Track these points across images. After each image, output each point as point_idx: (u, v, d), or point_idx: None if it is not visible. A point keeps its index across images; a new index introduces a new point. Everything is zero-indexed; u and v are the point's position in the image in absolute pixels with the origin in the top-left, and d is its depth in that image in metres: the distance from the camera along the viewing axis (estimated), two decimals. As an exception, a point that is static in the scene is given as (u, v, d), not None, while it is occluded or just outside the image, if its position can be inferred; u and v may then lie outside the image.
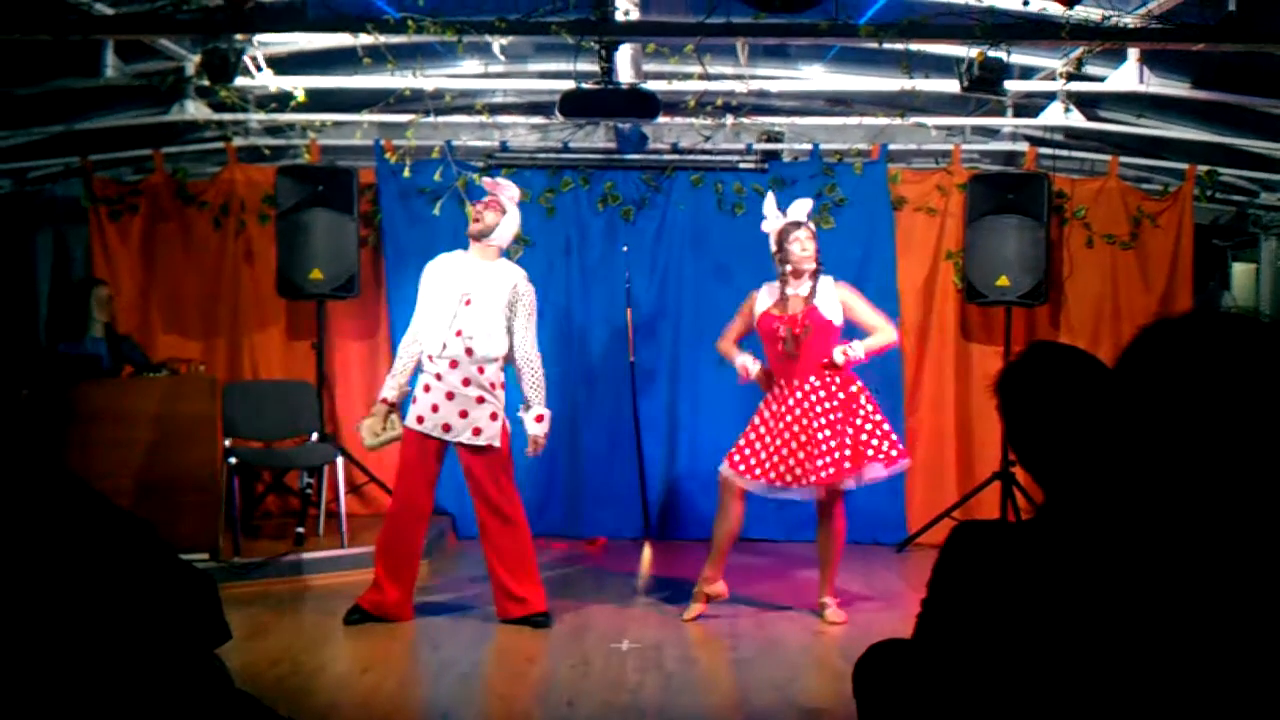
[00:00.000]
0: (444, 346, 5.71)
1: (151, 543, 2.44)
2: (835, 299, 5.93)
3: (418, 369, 5.88)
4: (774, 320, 5.94)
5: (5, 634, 2.20)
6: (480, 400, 5.72)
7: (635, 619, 6.14)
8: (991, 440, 7.77)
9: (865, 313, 5.98)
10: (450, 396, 5.71)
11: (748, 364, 6.00)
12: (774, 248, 6.04)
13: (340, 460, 7.35)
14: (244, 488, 7.43)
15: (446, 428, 5.72)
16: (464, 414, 5.71)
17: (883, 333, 5.94)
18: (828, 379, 5.90)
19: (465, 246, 5.97)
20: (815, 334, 5.87)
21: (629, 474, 8.07)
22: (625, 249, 7.23)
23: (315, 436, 7.63)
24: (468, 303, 5.72)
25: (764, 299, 6.05)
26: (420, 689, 5.19)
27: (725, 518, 6.04)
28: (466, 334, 5.70)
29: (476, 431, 5.72)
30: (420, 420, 5.74)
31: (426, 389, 5.75)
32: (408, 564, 5.88)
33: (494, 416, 5.75)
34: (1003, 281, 7.56)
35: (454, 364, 5.71)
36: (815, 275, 5.96)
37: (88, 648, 2.26)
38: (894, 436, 5.94)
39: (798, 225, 5.99)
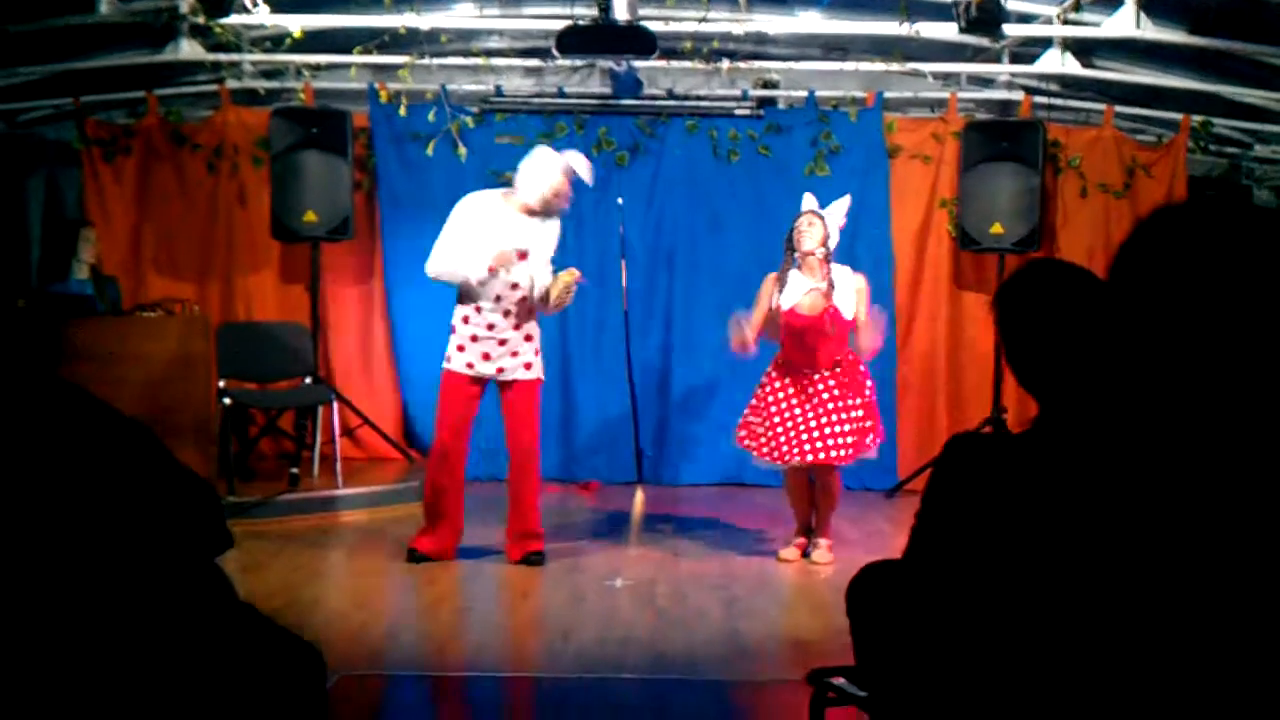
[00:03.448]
0: (498, 299, 5.75)
1: (152, 449, 2.46)
2: (852, 291, 5.94)
3: (458, 314, 5.83)
4: (801, 319, 5.91)
5: (9, 535, 2.22)
6: (528, 338, 5.85)
7: (629, 559, 6.18)
8: (983, 387, 7.81)
9: (863, 312, 5.99)
10: (503, 343, 5.79)
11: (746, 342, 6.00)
12: (787, 239, 6.04)
13: (335, 403, 7.36)
14: (238, 432, 7.46)
15: (500, 370, 5.82)
16: (515, 354, 5.82)
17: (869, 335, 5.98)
18: (840, 372, 5.95)
19: (470, 187, 6.01)
20: (830, 330, 5.92)
21: (622, 419, 8.09)
22: (620, 200, 7.24)
23: (309, 379, 7.64)
24: (522, 256, 5.75)
25: (786, 293, 5.96)
26: (416, 622, 5.24)
27: (792, 483, 6.13)
28: (524, 286, 5.76)
29: (528, 366, 5.86)
30: (470, 366, 5.80)
31: (474, 339, 5.78)
32: (458, 502, 5.95)
33: (537, 352, 5.90)
34: (997, 229, 7.58)
35: (507, 314, 5.78)
36: (827, 264, 5.94)
37: (89, 551, 2.28)
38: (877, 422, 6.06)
39: (805, 213, 6.02)
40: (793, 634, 5.06)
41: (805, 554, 6.15)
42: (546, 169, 5.78)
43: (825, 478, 6.03)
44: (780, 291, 5.95)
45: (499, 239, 5.71)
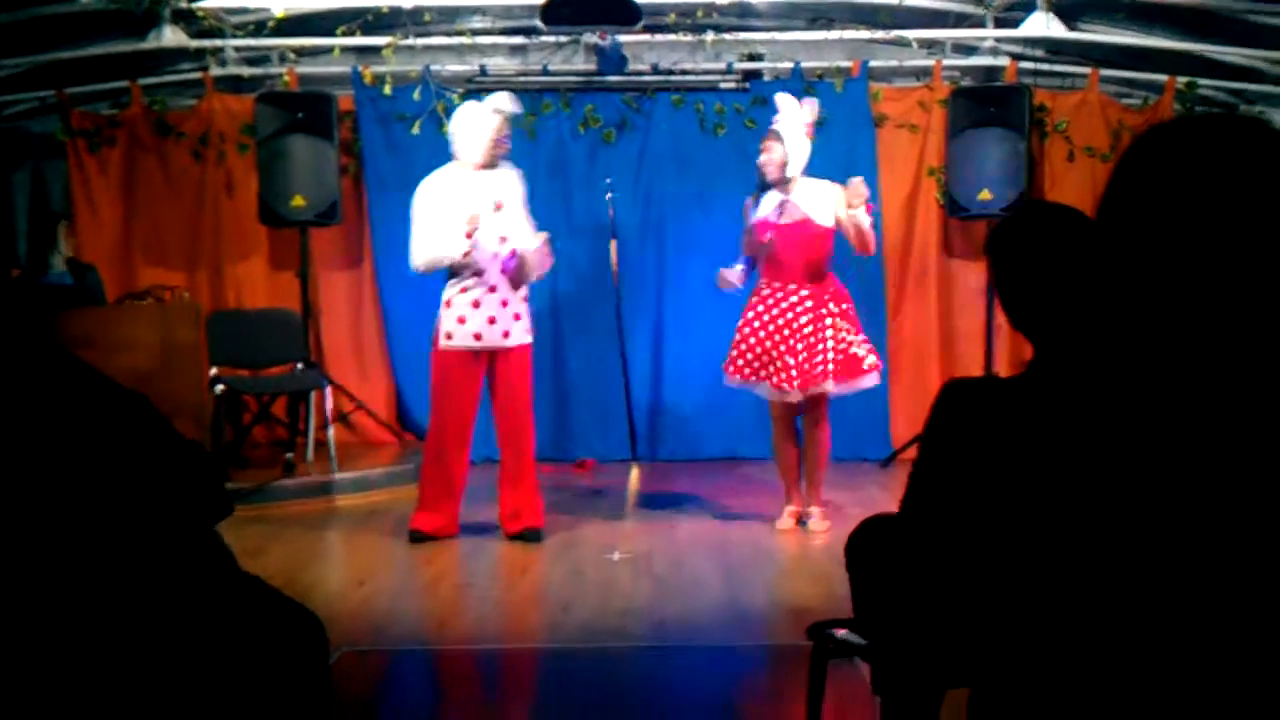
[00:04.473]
0: (494, 256, 5.73)
1: (147, 416, 2.45)
2: (828, 201, 5.93)
3: (453, 288, 5.79)
4: (772, 227, 5.94)
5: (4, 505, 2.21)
6: (525, 299, 5.85)
7: (626, 533, 6.19)
8: (975, 356, 7.82)
9: (843, 210, 5.97)
10: (505, 304, 5.77)
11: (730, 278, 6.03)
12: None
13: (328, 388, 7.36)
14: (231, 419, 7.44)
15: (506, 334, 5.79)
16: (517, 316, 5.81)
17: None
18: (817, 289, 5.93)
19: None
20: (805, 240, 5.89)
21: (615, 397, 8.09)
22: (609, 181, 7.20)
23: (301, 365, 7.62)
24: (499, 208, 5.74)
25: (759, 206, 6.03)
26: (416, 599, 5.25)
27: (778, 445, 6.14)
28: (511, 239, 5.76)
29: (529, 330, 5.87)
30: (478, 338, 5.75)
31: (476, 305, 5.73)
32: (460, 481, 5.95)
33: (529, 313, 5.89)
34: (985, 195, 7.58)
35: (504, 271, 5.76)
36: (784, 181, 5.93)
37: (85, 519, 2.27)
38: (872, 350, 6.01)
39: (764, 140, 6.01)
40: (792, 601, 5.07)
41: (801, 523, 6.16)
42: (478, 118, 5.79)
43: (813, 430, 6.01)
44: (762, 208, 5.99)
45: (467, 205, 5.68)
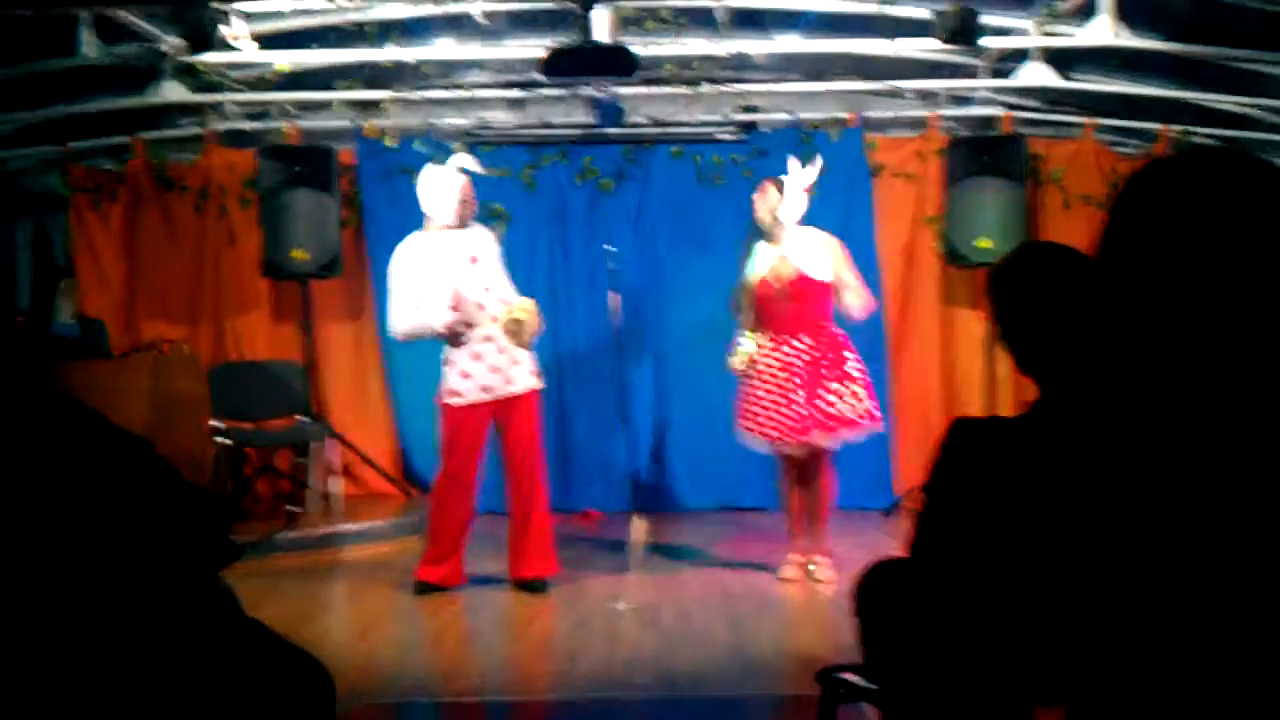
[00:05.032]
0: (482, 307, 5.74)
1: (152, 461, 2.44)
2: (823, 253, 5.96)
3: (449, 344, 5.78)
4: (772, 287, 5.99)
5: (7, 547, 2.20)
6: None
7: (630, 584, 6.16)
8: (976, 403, 7.82)
9: (844, 272, 6.02)
10: (502, 351, 5.76)
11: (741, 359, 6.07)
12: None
13: (330, 440, 7.35)
14: (233, 472, 7.43)
15: (509, 381, 5.78)
16: (516, 362, 5.79)
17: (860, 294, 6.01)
18: (816, 341, 5.95)
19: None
20: (803, 293, 5.91)
21: (618, 448, 8.08)
22: (610, 250, 7.28)
23: (303, 417, 7.62)
24: (474, 261, 5.77)
25: (755, 265, 6.08)
26: (422, 651, 5.22)
27: (783, 493, 6.16)
28: (494, 289, 5.81)
29: (534, 373, 5.86)
30: (485, 390, 5.74)
31: (478, 357, 5.73)
32: (465, 532, 5.94)
33: (532, 358, 5.87)
34: (983, 243, 7.62)
35: (496, 319, 5.76)
36: (775, 225, 5.98)
37: (89, 565, 2.25)
38: (874, 401, 6.02)
39: (770, 179, 6.10)
40: (799, 650, 5.04)
41: (806, 571, 6.13)
42: (443, 181, 5.86)
43: (815, 478, 6.01)
44: (752, 265, 6.04)
45: (442, 267, 5.70)
